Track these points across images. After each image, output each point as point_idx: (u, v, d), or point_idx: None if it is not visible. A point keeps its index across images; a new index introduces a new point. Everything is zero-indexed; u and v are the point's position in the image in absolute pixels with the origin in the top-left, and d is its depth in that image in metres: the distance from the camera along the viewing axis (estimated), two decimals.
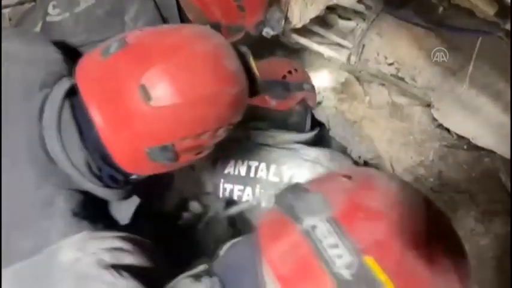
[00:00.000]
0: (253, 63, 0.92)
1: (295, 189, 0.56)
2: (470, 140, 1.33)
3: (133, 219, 0.95)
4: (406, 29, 1.44)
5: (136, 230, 0.99)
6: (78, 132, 0.77)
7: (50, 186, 0.78)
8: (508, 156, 1.26)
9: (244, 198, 1.45)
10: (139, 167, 0.83)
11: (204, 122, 0.79)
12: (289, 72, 1.39)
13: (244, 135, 1.49)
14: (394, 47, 1.49)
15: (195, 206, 1.29)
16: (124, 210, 0.91)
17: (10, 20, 1.38)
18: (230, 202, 1.34)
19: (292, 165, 1.34)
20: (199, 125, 0.79)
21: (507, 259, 1.45)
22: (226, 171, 1.49)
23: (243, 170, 1.45)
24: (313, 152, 1.35)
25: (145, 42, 0.78)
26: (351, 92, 2.01)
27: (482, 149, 1.40)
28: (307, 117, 1.45)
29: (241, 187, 1.45)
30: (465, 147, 1.69)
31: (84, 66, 0.78)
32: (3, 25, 1.34)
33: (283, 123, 1.40)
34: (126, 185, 0.88)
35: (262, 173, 1.40)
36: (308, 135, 1.41)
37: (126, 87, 0.73)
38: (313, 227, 0.49)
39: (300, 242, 0.50)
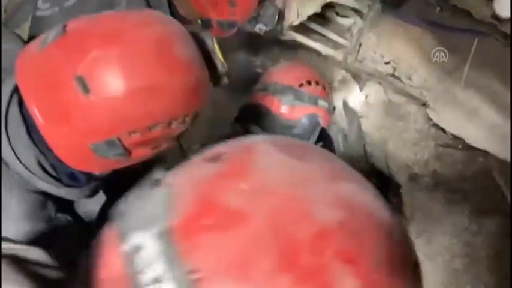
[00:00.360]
0: (216, 50, 0.86)
1: (144, 183, 0.37)
2: (465, 140, 1.33)
3: (103, 216, 0.91)
4: (403, 28, 1.44)
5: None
6: (26, 129, 0.73)
7: (6, 187, 0.74)
8: (502, 156, 1.27)
9: None
10: (88, 165, 0.78)
11: (151, 115, 0.73)
12: (308, 82, 1.36)
13: (242, 134, 1.47)
14: (391, 46, 1.49)
15: None
16: (89, 208, 0.87)
17: (5, 11, 1.36)
18: None
19: None
20: (146, 118, 0.73)
21: (501, 258, 1.46)
22: None
23: None
24: None
25: (85, 29, 0.72)
26: (347, 89, 2.02)
27: (477, 148, 1.41)
28: (312, 135, 1.39)
29: None
30: (460, 146, 1.70)
31: (23, 58, 0.73)
32: None
33: (284, 132, 1.36)
34: (89, 182, 0.83)
35: None
36: None
37: (62, 78, 0.69)
38: (138, 249, 0.31)
39: (116, 276, 0.32)
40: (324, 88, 1.40)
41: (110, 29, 0.72)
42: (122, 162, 0.80)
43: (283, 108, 1.33)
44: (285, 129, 1.37)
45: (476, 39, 1.20)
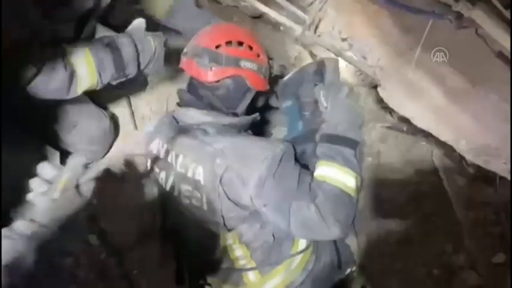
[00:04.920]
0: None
1: None
2: (410, 120, 1.37)
3: None
4: (361, 5, 1.45)
5: None
6: None
7: None
8: (443, 138, 1.32)
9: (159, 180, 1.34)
10: None
11: None
12: (228, 43, 1.29)
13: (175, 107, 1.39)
14: (349, 23, 1.49)
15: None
16: None
17: None
18: None
19: (194, 158, 1.23)
20: None
21: (433, 237, 1.54)
22: (156, 151, 1.37)
23: (162, 152, 1.32)
24: (221, 143, 1.21)
25: None
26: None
27: (420, 131, 1.46)
28: (242, 97, 1.35)
29: (157, 170, 1.34)
30: (404, 129, 1.76)
31: None
32: None
33: (208, 94, 1.33)
34: None
35: (173, 162, 1.28)
36: (229, 120, 1.30)
37: None
38: None
39: None
40: (251, 48, 1.33)
41: None
42: None
43: (201, 71, 1.29)
44: (208, 90, 1.33)
45: (431, 21, 1.23)
